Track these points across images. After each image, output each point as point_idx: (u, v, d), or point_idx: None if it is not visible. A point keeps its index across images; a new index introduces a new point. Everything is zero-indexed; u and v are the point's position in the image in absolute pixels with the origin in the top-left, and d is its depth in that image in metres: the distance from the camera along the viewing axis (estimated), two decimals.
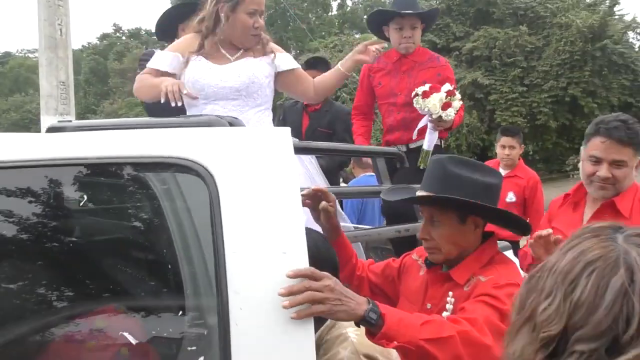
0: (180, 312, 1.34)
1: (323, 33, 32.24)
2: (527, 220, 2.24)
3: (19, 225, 1.31)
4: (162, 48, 3.26)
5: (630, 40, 17.49)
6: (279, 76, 2.67)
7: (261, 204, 1.32)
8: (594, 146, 2.22)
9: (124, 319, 1.32)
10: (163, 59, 2.56)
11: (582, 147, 2.33)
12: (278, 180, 1.35)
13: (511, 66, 16.06)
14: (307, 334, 1.28)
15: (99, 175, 1.38)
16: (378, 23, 3.50)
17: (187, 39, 2.61)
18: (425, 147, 3.12)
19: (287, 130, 1.42)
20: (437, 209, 1.74)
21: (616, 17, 16.54)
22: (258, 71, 2.55)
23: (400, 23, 3.33)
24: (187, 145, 1.34)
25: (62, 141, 1.43)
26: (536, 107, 15.62)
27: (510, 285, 1.58)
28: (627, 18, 17.27)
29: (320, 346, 1.39)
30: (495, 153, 4.70)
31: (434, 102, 2.96)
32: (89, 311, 1.29)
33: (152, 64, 2.58)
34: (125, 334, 1.25)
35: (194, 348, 1.29)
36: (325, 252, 1.62)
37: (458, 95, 3.13)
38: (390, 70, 3.44)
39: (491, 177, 1.75)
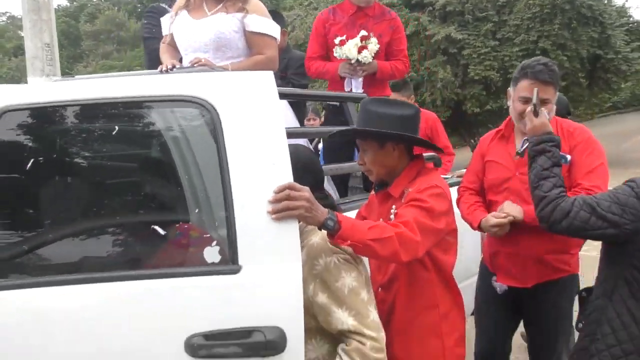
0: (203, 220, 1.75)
1: None
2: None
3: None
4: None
5: None
6: (247, 34, 2.81)
7: (253, 129, 1.71)
8: (522, 88, 2.57)
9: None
10: (164, 24, 2.90)
11: (510, 89, 2.70)
12: (265, 110, 1.73)
13: (483, 21, 16.27)
14: (290, 228, 1.69)
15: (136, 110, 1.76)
16: None
17: None
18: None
19: (271, 73, 1.80)
20: (361, 140, 2.21)
21: None
22: (226, 27, 2.75)
23: None
24: (198, 86, 1.73)
25: (93, 85, 1.80)
26: (508, 60, 15.90)
27: (431, 188, 2.05)
28: None
29: (300, 237, 1.79)
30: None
31: (349, 47, 3.30)
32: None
33: (163, 31, 2.93)
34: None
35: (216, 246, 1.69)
36: (307, 162, 2.04)
37: (374, 40, 3.44)
38: (346, 23, 3.60)
39: (405, 110, 2.18)
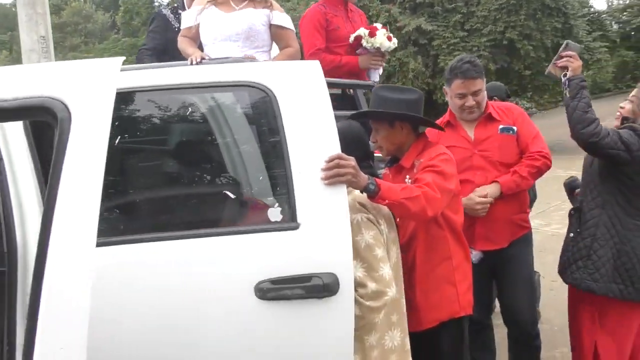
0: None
1: None
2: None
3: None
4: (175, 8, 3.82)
5: None
6: (271, 27, 3.19)
7: (306, 109, 2.05)
8: (456, 86, 3.03)
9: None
10: (188, 17, 3.18)
11: (445, 87, 3.16)
12: (315, 93, 2.07)
13: (452, 12, 16.75)
14: (340, 192, 2.04)
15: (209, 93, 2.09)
16: None
17: None
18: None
19: (317, 62, 2.14)
20: (374, 120, 2.61)
21: None
22: (256, 20, 3.11)
23: None
24: (258, 73, 2.06)
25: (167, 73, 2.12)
26: (477, 51, 16.36)
27: (441, 154, 2.47)
28: None
29: None
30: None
31: (381, 38, 3.58)
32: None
33: (182, 24, 3.21)
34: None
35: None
36: (358, 136, 2.41)
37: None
38: (341, 15, 3.83)
39: (411, 94, 2.60)
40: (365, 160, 2.33)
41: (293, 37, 3.25)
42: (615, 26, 26.59)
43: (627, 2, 27.99)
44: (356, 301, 2.07)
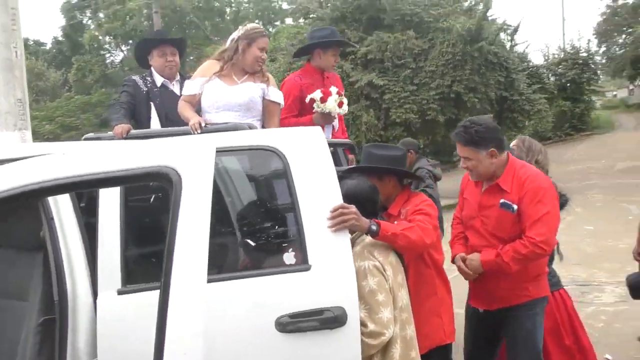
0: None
1: (218, 38, 33.07)
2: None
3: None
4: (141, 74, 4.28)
5: (502, 40, 19.69)
6: (264, 100, 3.63)
7: (312, 168, 2.43)
8: (457, 146, 3.13)
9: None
10: (191, 86, 3.57)
11: None
12: (319, 154, 2.45)
13: (402, 67, 17.60)
14: (344, 236, 2.40)
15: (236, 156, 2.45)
16: None
17: (205, 65, 3.63)
18: None
19: (319, 128, 2.53)
20: (366, 173, 2.98)
21: (489, 20, 18.61)
22: (255, 93, 3.58)
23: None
24: (271, 139, 2.43)
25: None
26: (426, 104, 17.23)
27: (425, 201, 2.97)
28: (499, 21, 19.46)
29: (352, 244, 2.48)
30: None
31: (332, 103, 3.95)
32: None
33: (185, 91, 3.58)
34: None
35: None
36: (359, 192, 2.74)
37: (342, 94, 4.18)
38: (315, 84, 4.21)
39: (395, 151, 3.07)
40: (372, 214, 2.68)
41: (279, 111, 3.74)
42: (552, 78, 28.20)
43: (562, 55, 29.82)
44: (361, 339, 2.37)
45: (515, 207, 2.97)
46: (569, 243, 7.02)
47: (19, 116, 6.94)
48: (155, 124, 4.10)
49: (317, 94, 4.05)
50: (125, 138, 3.41)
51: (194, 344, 1.38)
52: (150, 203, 2.64)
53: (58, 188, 1.49)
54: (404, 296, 2.62)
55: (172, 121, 3.84)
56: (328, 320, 2.30)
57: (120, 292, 2.28)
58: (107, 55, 39.33)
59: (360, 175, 2.91)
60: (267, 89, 3.61)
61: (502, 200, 3.01)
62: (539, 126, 24.44)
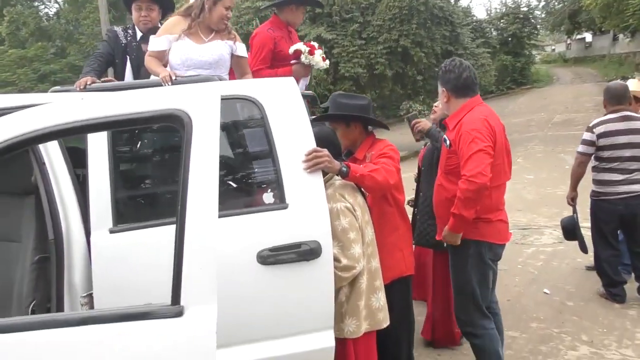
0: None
1: None
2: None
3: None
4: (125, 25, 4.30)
5: None
6: (233, 56, 3.77)
7: (286, 115, 2.62)
8: None
9: None
10: (159, 42, 3.64)
11: None
12: (293, 102, 2.65)
13: (350, 21, 17.72)
14: (318, 177, 2.62)
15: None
16: None
17: (171, 21, 3.69)
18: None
19: (292, 79, 2.72)
20: (332, 122, 3.25)
21: None
22: (224, 51, 3.69)
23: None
24: (250, 89, 2.61)
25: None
26: (374, 58, 17.47)
27: (388, 146, 3.17)
28: None
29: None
30: None
31: (318, 58, 4.19)
32: None
33: (151, 47, 3.65)
34: None
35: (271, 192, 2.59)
36: (330, 136, 2.97)
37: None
38: (285, 36, 4.42)
39: (362, 100, 3.28)
40: (337, 156, 2.91)
41: (247, 64, 3.90)
42: (494, 33, 28.85)
43: (504, 10, 30.47)
44: (335, 273, 2.63)
45: (449, 141, 3.28)
46: (512, 191, 7.46)
47: None
48: (128, 77, 4.17)
49: (302, 47, 4.22)
50: (85, 90, 3.41)
51: (209, 266, 1.58)
52: (135, 150, 2.79)
53: (88, 127, 1.63)
54: (369, 233, 2.89)
55: (146, 76, 3.90)
56: (305, 252, 2.54)
57: (111, 231, 2.45)
58: (42, 7, 37.65)
59: (319, 123, 3.12)
60: (234, 45, 3.76)
61: (444, 136, 3.37)
62: (483, 80, 25.00)
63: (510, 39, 29.50)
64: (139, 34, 4.22)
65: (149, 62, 3.66)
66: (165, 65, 3.67)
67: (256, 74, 4.28)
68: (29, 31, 33.69)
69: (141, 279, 2.38)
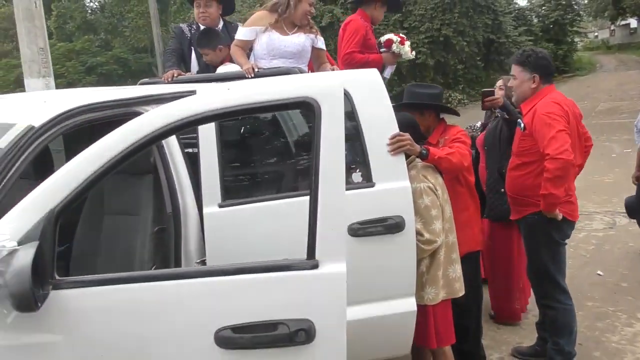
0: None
1: None
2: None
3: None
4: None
5: None
6: (313, 49, 4.14)
7: (373, 105, 2.90)
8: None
9: None
10: (246, 32, 3.97)
11: None
12: (378, 92, 2.92)
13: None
14: (401, 159, 2.89)
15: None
16: None
17: (258, 15, 4.02)
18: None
19: (376, 70, 2.99)
20: (407, 109, 3.47)
21: None
22: (306, 43, 4.05)
23: None
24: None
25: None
26: (415, 47, 17.59)
27: (460, 131, 3.41)
28: None
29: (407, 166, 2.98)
30: None
31: (407, 48, 4.57)
32: None
33: (239, 36, 3.99)
34: None
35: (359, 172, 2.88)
36: (411, 122, 3.24)
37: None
38: (369, 29, 4.76)
39: (433, 89, 3.56)
40: (418, 140, 3.16)
41: (325, 55, 4.25)
42: (536, 20, 28.53)
43: None
44: (417, 245, 2.91)
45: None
46: None
47: (42, 64, 7.28)
48: (194, 68, 4.51)
49: (394, 37, 4.62)
50: (173, 82, 3.76)
51: (339, 227, 1.90)
52: (239, 137, 3.11)
53: (238, 112, 1.95)
54: (448, 210, 3.16)
55: (211, 67, 4.23)
56: (390, 226, 2.82)
57: (220, 206, 2.77)
58: (87, 1, 38.60)
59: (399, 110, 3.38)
60: (316, 38, 4.11)
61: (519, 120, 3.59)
62: None
63: (552, 26, 29.10)
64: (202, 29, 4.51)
65: (235, 52, 3.99)
66: (247, 56, 4.00)
67: (348, 56, 4.62)
68: (76, 25, 34.64)
69: (244, 247, 2.69)
